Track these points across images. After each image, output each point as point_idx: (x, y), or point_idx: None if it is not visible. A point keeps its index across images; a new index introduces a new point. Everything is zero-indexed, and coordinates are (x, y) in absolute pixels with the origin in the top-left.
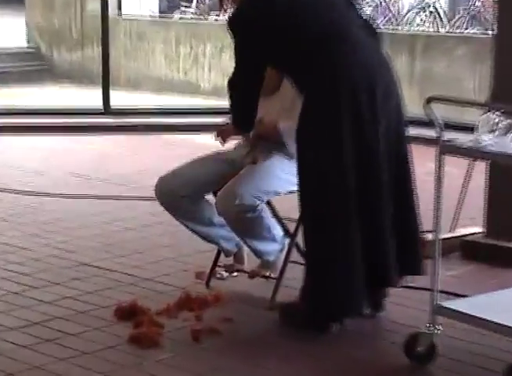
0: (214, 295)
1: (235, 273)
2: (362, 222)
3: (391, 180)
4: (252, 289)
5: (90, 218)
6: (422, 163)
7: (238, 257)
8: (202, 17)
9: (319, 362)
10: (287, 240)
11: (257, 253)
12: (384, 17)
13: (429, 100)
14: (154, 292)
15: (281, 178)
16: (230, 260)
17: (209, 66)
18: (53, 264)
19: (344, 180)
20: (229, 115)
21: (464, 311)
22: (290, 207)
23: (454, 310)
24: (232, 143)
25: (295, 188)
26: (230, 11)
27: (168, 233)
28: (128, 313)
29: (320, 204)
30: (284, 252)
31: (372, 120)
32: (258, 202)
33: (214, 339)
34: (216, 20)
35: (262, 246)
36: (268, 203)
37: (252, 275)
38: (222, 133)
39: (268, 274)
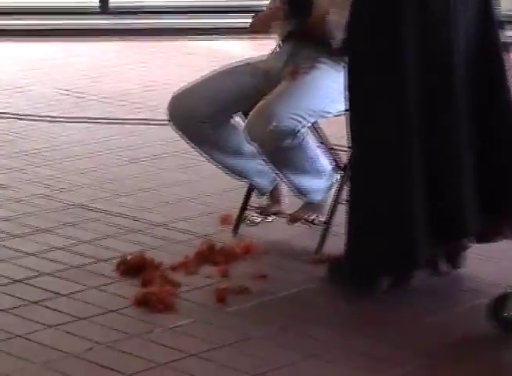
0: (243, 246)
1: (270, 217)
2: (426, 150)
3: (475, 111)
4: (292, 237)
5: (84, 147)
6: None
7: (274, 196)
8: None
9: (377, 331)
10: (338, 175)
11: (299, 191)
12: None
13: None
14: (167, 242)
15: (329, 94)
16: (264, 200)
17: None
18: (39, 206)
19: (402, 92)
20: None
21: None
22: (342, 133)
23: None
24: (261, 50)
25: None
26: None
27: (185, 167)
28: (135, 268)
29: (370, 127)
30: (333, 190)
31: (444, 20)
32: (300, 125)
33: (244, 301)
34: None
35: (305, 182)
36: (314, 127)
37: (292, 219)
38: (263, 19)
39: (312, 218)
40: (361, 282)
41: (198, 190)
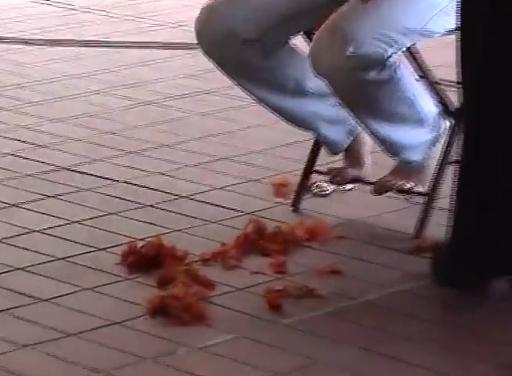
0: (307, 228)
1: (348, 186)
2: None
3: None
4: (379, 216)
5: (73, 82)
6: None
7: (353, 155)
8: None
9: (496, 356)
10: (446, 124)
11: (390, 147)
12: None
13: None
14: (196, 221)
15: (432, 3)
16: (338, 161)
17: None
18: (12, 168)
19: None
20: None
21: None
22: (452, 61)
23: None
24: None
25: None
26: None
27: (222, 110)
28: (148, 261)
29: (492, 54)
30: (440, 146)
31: None
32: (390, 50)
33: (308, 309)
34: None
35: (399, 134)
36: (411, 53)
37: (380, 188)
38: None
39: (409, 187)
40: (470, 283)
41: (241, 145)
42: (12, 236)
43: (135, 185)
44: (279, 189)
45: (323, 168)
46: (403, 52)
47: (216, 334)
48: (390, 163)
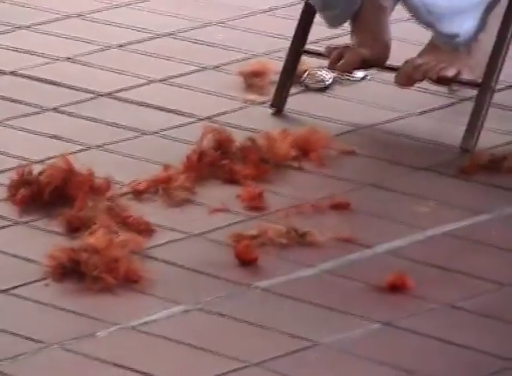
0: (296, 139)
1: (357, 73)
2: None
3: None
4: (407, 118)
5: None
6: None
7: (364, 26)
8: None
9: None
10: None
11: (424, 12)
12: None
13: None
14: (123, 132)
15: None
16: (342, 36)
17: None
18: None
19: None
20: None
21: None
22: None
23: None
24: None
25: None
26: None
27: None
28: (50, 194)
29: None
30: (499, 13)
31: None
32: None
33: (299, 264)
34: None
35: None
36: None
37: (406, 77)
38: None
39: (452, 74)
40: None
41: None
42: None
43: (26, 76)
44: (252, 80)
45: (319, 48)
46: None
47: (156, 305)
48: (422, 39)
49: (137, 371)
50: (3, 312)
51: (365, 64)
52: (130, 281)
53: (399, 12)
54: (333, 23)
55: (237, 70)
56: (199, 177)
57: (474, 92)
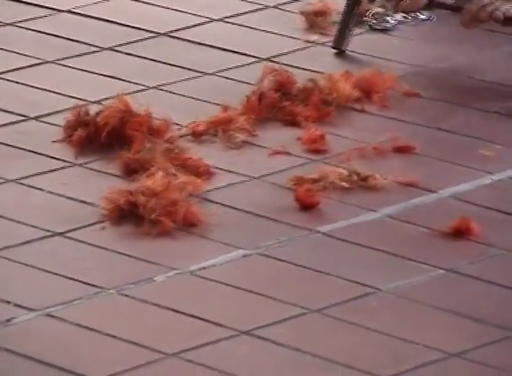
0: (359, 80)
1: (421, 14)
2: None
3: None
4: (478, 62)
5: None
6: None
7: None
8: None
9: None
10: None
11: None
12: None
13: None
14: (181, 71)
15: None
16: None
17: None
18: None
19: None
20: None
21: None
22: None
23: None
24: None
25: None
26: None
27: None
28: (107, 136)
29: None
30: None
31: None
32: None
33: (362, 209)
34: None
35: None
36: None
37: (472, 17)
38: None
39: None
40: None
41: None
42: None
43: (82, 15)
44: (315, 20)
45: None
46: None
47: (215, 250)
48: None
49: (195, 317)
50: (59, 256)
51: (430, 4)
52: (188, 225)
53: None
54: None
55: (299, 9)
56: (259, 119)
57: None
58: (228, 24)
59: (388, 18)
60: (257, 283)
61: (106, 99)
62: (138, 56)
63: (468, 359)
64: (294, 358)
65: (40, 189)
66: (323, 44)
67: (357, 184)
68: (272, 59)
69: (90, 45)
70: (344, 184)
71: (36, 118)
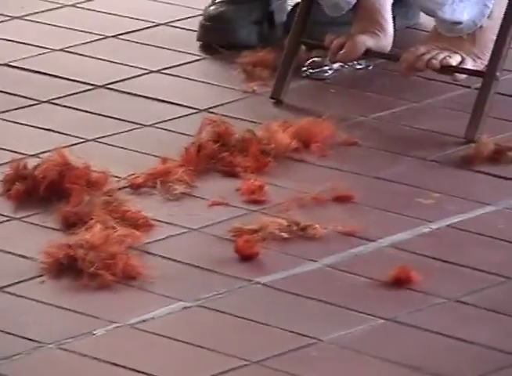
0: (297, 130)
1: (360, 63)
2: None
3: None
4: (410, 109)
5: None
6: None
7: (366, 13)
8: None
9: None
10: None
11: (424, 4)
12: None
13: None
14: (119, 123)
15: None
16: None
17: None
18: None
19: None
20: None
21: None
22: None
23: None
24: None
25: None
26: None
27: None
28: (46, 189)
29: None
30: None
31: None
32: None
33: (303, 259)
34: None
35: None
36: None
37: (410, 65)
38: None
39: (455, 62)
40: None
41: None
42: None
43: (20, 68)
44: (252, 71)
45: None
46: None
47: (155, 302)
48: (427, 26)
49: (135, 370)
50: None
51: (367, 53)
52: (128, 278)
53: None
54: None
55: (237, 60)
56: (198, 170)
57: (478, 81)
58: (166, 75)
59: (326, 67)
60: (198, 335)
61: (45, 152)
62: (77, 109)
63: None
64: None
65: None
66: (261, 94)
67: (296, 234)
68: (211, 110)
69: (28, 98)
70: (284, 234)
71: None
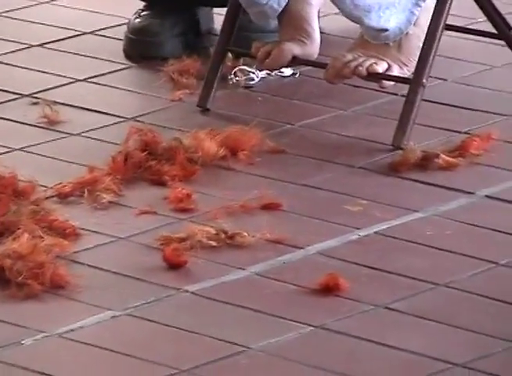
0: (224, 138)
1: (286, 71)
2: None
3: None
4: (338, 117)
5: None
6: None
7: (292, 21)
8: None
9: None
10: None
11: (353, 7)
12: None
13: None
14: (48, 133)
15: None
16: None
17: None
18: None
19: None
20: None
21: None
22: None
23: None
24: None
25: None
26: None
27: None
28: None
29: None
30: (431, 4)
31: None
32: None
33: (230, 267)
34: None
35: None
36: None
37: (335, 73)
38: None
39: (381, 69)
40: None
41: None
42: None
43: None
44: (178, 79)
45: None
46: None
47: (83, 311)
48: (353, 33)
49: None
50: None
51: (293, 61)
52: (56, 287)
53: (328, 7)
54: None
55: (163, 68)
56: (125, 179)
57: (405, 88)
58: (92, 84)
59: (253, 75)
60: (126, 344)
61: None
62: (3, 118)
63: None
64: None
65: None
66: (188, 102)
67: (225, 242)
68: (138, 118)
69: None
70: (212, 242)
71: None
